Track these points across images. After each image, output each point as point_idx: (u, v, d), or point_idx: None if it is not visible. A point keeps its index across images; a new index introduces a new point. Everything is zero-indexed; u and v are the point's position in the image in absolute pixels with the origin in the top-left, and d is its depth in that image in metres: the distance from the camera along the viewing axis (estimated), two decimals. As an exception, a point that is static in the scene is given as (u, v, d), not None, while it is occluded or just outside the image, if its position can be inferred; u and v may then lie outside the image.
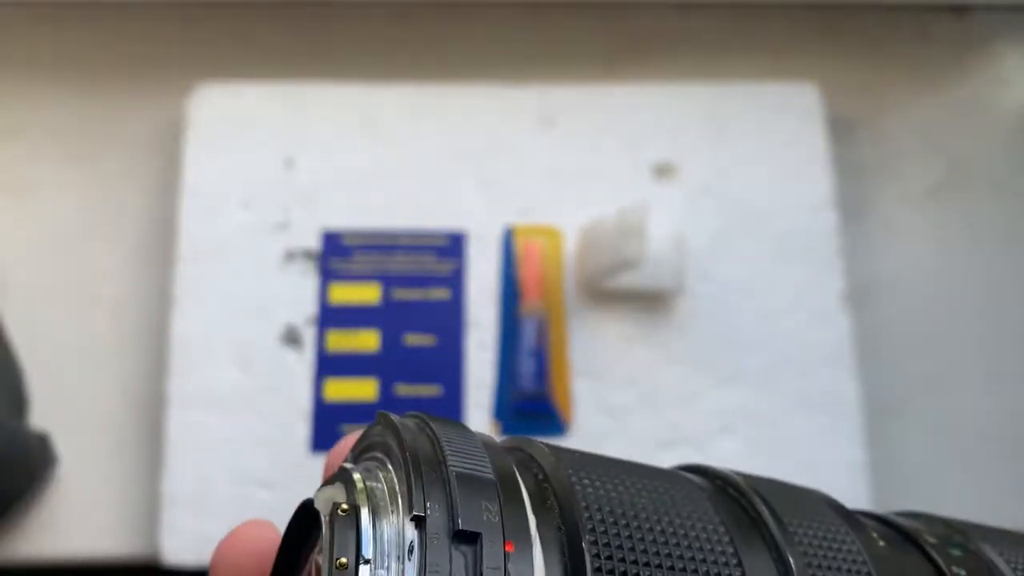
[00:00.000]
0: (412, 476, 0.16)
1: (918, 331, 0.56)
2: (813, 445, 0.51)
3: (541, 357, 0.51)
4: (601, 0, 0.62)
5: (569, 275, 0.53)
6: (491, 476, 0.17)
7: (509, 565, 0.15)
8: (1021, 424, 0.55)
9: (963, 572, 0.19)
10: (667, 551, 0.17)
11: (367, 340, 0.52)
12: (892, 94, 0.61)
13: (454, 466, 0.17)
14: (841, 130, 0.59)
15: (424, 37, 0.62)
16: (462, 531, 0.15)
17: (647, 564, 0.16)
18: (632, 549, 0.17)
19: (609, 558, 0.16)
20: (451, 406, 0.51)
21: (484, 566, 0.15)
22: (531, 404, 0.51)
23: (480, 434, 0.19)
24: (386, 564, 0.16)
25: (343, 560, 0.15)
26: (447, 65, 0.61)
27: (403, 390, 0.51)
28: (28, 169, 0.58)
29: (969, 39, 0.63)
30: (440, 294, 0.53)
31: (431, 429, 0.18)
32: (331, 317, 0.52)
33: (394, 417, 0.19)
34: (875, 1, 0.63)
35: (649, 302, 0.53)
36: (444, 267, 0.53)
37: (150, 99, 0.59)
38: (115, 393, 0.53)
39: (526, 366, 0.51)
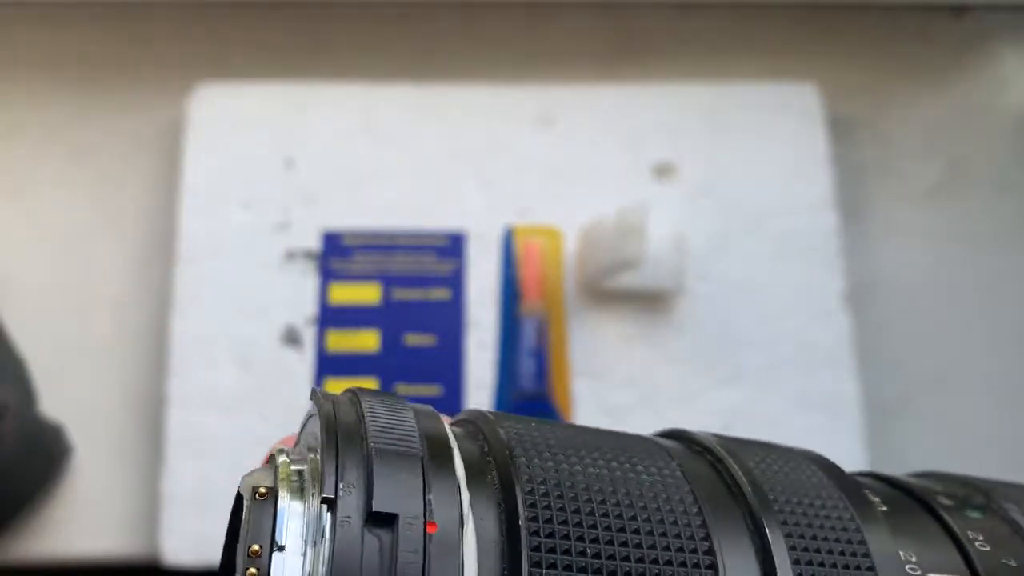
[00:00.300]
0: (325, 454, 0.15)
1: (918, 331, 0.56)
2: (813, 445, 0.51)
3: (541, 357, 0.51)
4: (601, 0, 0.62)
5: (569, 275, 0.53)
6: (416, 450, 0.15)
7: (431, 547, 0.14)
8: (1021, 424, 0.55)
9: (980, 536, 0.17)
10: (621, 524, 0.15)
11: (367, 340, 0.52)
12: (892, 94, 0.61)
13: (375, 441, 0.15)
14: (841, 130, 0.59)
15: (424, 37, 0.62)
16: (376, 513, 0.14)
17: (595, 540, 0.15)
18: (579, 524, 0.15)
19: (551, 535, 0.15)
20: (451, 406, 0.51)
21: (399, 550, 0.14)
22: (531, 404, 0.51)
23: (421, 407, 0.18)
24: (304, 551, 0.14)
25: (255, 547, 0.15)
26: (447, 65, 0.61)
27: (403, 390, 0.51)
28: (28, 169, 0.58)
29: (969, 39, 0.63)
30: (440, 294, 0.53)
31: (359, 403, 0.17)
32: (331, 317, 0.52)
33: (321, 392, 0.18)
34: (875, 1, 0.63)
35: (649, 302, 0.53)
36: (444, 267, 0.53)
37: (150, 99, 0.59)
38: (115, 393, 0.53)
39: (526, 366, 0.51)
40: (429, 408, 0.18)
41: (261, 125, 0.56)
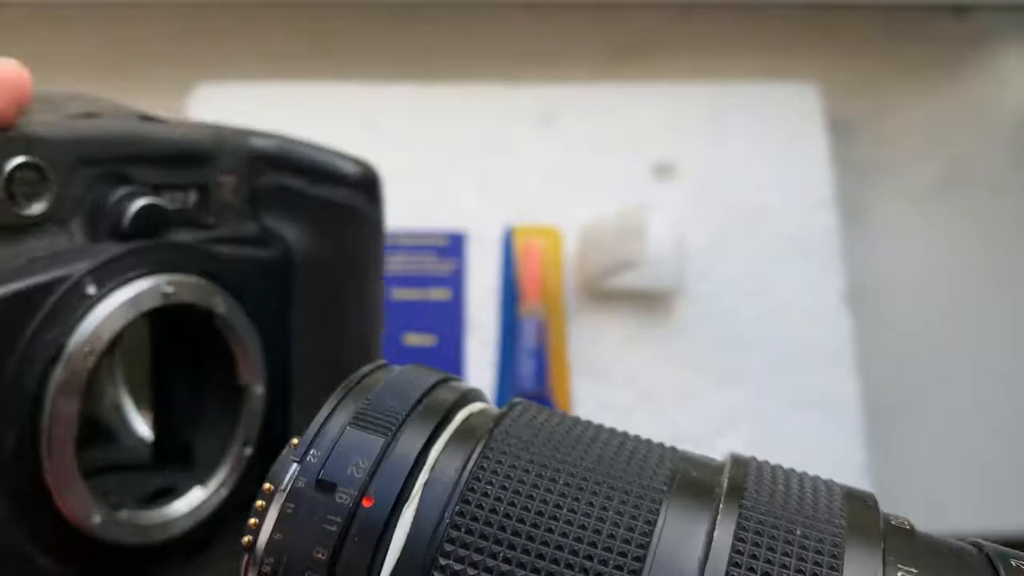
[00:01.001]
0: (317, 419, 0.18)
1: (918, 331, 0.56)
2: (813, 445, 0.51)
3: (541, 357, 0.51)
4: (601, 0, 0.62)
5: (569, 275, 0.53)
6: (386, 431, 0.17)
7: (358, 517, 0.16)
8: (1021, 424, 0.55)
9: None
10: (554, 539, 0.16)
11: (367, 340, 0.52)
12: (892, 94, 0.61)
13: (357, 416, 0.18)
14: (841, 130, 0.59)
15: (424, 37, 0.62)
16: (320, 480, 0.17)
17: (514, 543, 0.16)
18: (503, 528, 0.16)
19: (470, 532, 0.16)
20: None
21: (325, 515, 0.16)
22: (531, 404, 0.51)
23: (459, 387, 0.20)
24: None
25: (268, 486, 0.17)
26: (447, 65, 0.61)
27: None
28: (28, 169, 0.58)
29: (969, 39, 0.63)
30: (440, 294, 0.53)
31: (390, 373, 0.19)
32: (331, 317, 0.52)
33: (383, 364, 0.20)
34: (875, 1, 0.63)
35: (649, 302, 0.53)
36: (444, 267, 0.53)
37: (150, 99, 0.59)
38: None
39: (526, 366, 0.51)
40: (465, 389, 0.20)
41: (261, 125, 0.56)
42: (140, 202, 0.23)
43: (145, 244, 0.23)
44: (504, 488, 0.16)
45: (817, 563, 0.16)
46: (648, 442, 0.20)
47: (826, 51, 0.62)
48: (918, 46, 0.63)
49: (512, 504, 0.16)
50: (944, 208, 0.59)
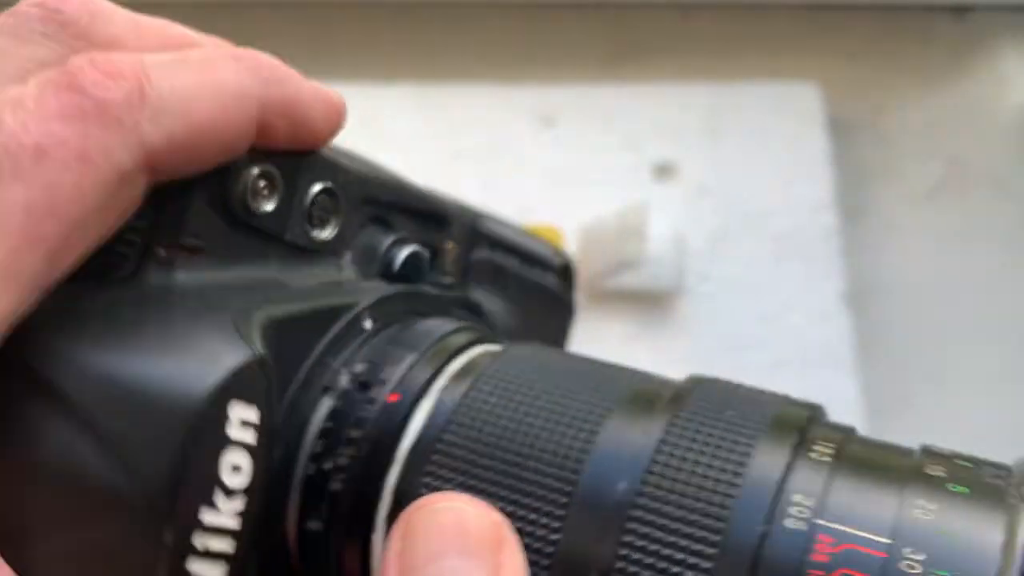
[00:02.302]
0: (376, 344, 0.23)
1: (918, 331, 0.56)
2: (813, 445, 0.51)
3: (541, 357, 0.52)
4: (601, 0, 0.62)
5: (569, 275, 0.53)
6: (418, 350, 0.22)
7: (388, 408, 0.21)
8: (1021, 425, 0.55)
9: (932, 506, 0.18)
10: (520, 437, 0.20)
11: (367, 340, 0.52)
12: (892, 94, 0.61)
13: (388, 341, 0.22)
14: (841, 130, 0.59)
15: (424, 37, 0.62)
16: (362, 381, 0.22)
17: (491, 441, 0.20)
18: (485, 426, 0.20)
19: (461, 424, 0.20)
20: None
21: (359, 404, 0.21)
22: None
23: (489, 335, 0.24)
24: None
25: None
26: (447, 65, 0.61)
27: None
28: (28, 169, 0.58)
29: (969, 39, 0.63)
30: (440, 294, 0.53)
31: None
32: (331, 317, 0.52)
33: None
34: (875, 1, 0.63)
35: (649, 302, 0.53)
36: (444, 267, 0.53)
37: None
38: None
39: (526, 366, 0.51)
40: (494, 338, 0.25)
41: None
42: (409, 249, 0.26)
43: (411, 288, 0.25)
44: (483, 409, 0.21)
45: (729, 455, 0.19)
46: (624, 368, 0.23)
47: (826, 51, 0.62)
48: (918, 46, 0.63)
49: (487, 422, 0.20)
50: (944, 208, 0.59)
